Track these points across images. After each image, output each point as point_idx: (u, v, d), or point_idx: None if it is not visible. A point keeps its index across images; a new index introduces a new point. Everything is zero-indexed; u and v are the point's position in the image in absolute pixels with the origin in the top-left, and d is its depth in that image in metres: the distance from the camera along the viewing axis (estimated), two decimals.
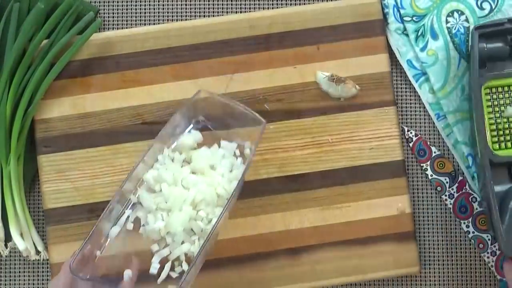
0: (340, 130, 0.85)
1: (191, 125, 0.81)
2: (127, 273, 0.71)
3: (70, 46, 0.84)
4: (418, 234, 0.86)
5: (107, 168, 0.84)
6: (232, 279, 0.83)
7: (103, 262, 0.74)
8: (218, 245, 0.82)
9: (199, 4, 0.89)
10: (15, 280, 0.86)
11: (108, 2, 0.89)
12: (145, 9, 0.89)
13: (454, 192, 0.86)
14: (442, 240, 0.86)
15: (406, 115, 0.88)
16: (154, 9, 0.89)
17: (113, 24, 0.89)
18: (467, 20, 0.86)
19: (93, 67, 0.85)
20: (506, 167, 0.81)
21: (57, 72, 0.84)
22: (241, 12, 0.89)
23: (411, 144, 0.87)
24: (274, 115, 0.85)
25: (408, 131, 0.87)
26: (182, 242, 0.73)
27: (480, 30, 0.80)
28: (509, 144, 0.81)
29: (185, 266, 0.72)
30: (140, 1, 0.89)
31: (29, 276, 0.87)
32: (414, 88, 0.87)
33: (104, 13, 0.89)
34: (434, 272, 0.86)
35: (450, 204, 0.86)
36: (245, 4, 0.89)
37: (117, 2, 0.89)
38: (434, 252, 0.86)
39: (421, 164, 0.87)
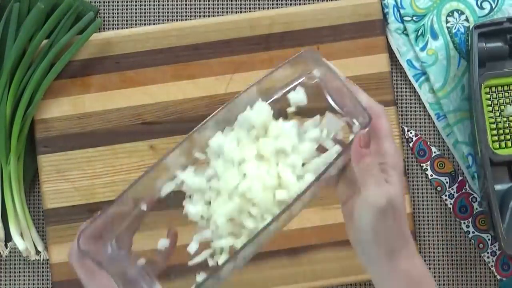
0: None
1: (303, 79, 0.63)
2: (162, 242, 0.61)
3: (70, 46, 0.84)
4: (418, 234, 0.86)
5: (107, 168, 0.84)
6: (232, 278, 0.83)
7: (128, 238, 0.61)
8: None
9: (199, 4, 0.89)
10: (15, 280, 0.86)
11: (108, 2, 0.89)
12: (145, 9, 0.89)
13: (454, 192, 0.86)
14: (442, 240, 0.86)
15: (406, 115, 0.88)
16: (154, 9, 0.89)
17: (113, 24, 0.89)
18: (467, 19, 0.86)
19: (93, 67, 0.85)
20: (506, 166, 0.81)
21: (57, 72, 0.84)
22: (241, 12, 0.89)
23: (411, 144, 0.87)
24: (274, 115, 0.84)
25: (408, 131, 0.87)
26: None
27: (479, 29, 0.80)
28: (509, 143, 0.81)
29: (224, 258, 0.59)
30: (140, 1, 0.89)
31: (29, 276, 0.87)
32: (414, 88, 0.87)
33: (104, 13, 0.89)
34: (434, 272, 0.86)
35: (450, 204, 0.86)
36: (245, 4, 0.89)
37: (117, 2, 0.89)
38: (434, 252, 0.86)
39: (421, 164, 0.87)
